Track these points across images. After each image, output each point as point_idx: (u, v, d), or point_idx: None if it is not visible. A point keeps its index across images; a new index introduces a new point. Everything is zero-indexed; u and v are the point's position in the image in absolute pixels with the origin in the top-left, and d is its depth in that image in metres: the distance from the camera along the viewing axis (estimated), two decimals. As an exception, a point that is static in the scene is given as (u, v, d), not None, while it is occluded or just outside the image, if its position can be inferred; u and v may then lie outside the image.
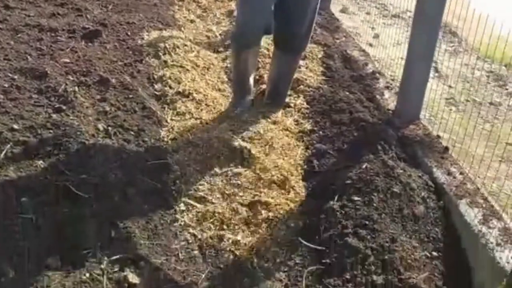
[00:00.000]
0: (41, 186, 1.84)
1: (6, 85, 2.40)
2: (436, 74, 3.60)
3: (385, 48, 3.59)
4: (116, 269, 1.63)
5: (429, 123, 2.54)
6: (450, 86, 3.31)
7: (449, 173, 2.13)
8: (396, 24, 4.29)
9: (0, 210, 1.69)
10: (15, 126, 2.12)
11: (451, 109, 2.91)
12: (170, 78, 2.83)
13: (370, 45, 3.90)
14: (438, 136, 2.41)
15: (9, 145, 2.00)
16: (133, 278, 1.62)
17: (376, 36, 4.23)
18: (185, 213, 1.99)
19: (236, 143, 2.30)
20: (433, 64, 3.71)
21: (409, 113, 2.55)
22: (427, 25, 2.40)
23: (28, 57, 2.71)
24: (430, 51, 2.44)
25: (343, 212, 1.93)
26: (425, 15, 2.40)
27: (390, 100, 2.82)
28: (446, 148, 2.29)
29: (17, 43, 2.83)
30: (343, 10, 5.03)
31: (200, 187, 2.11)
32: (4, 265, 1.52)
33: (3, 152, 1.96)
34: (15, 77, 2.48)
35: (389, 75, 3.21)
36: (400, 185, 2.01)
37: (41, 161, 1.96)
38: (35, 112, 2.26)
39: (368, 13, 5.16)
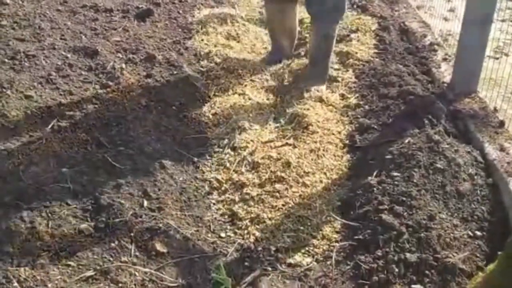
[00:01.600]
0: (81, 157, 1.92)
1: (59, 63, 2.52)
2: None
3: (460, 21, 3.35)
4: (145, 238, 1.67)
5: (506, 101, 2.31)
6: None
7: (502, 149, 1.96)
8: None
9: (41, 180, 1.78)
10: (63, 101, 2.23)
11: None
12: (216, 54, 2.83)
13: (445, 19, 3.67)
14: (495, 110, 2.22)
15: (56, 119, 2.11)
16: (161, 247, 1.65)
17: (452, 10, 3.97)
18: (219, 187, 2.00)
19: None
20: None
21: (464, 85, 2.37)
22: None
23: (83, 36, 2.83)
24: (488, 17, 2.24)
25: (380, 188, 1.84)
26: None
27: (446, 73, 2.64)
28: (502, 123, 2.11)
29: (73, 23, 2.97)
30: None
31: (235, 161, 2.10)
32: (41, 229, 1.60)
33: (50, 125, 2.07)
34: (68, 55, 2.60)
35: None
36: (445, 161, 1.88)
37: (83, 134, 2.05)
38: (83, 88, 2.36)
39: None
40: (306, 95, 2.46)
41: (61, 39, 2.77)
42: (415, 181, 1.81)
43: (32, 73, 2.42)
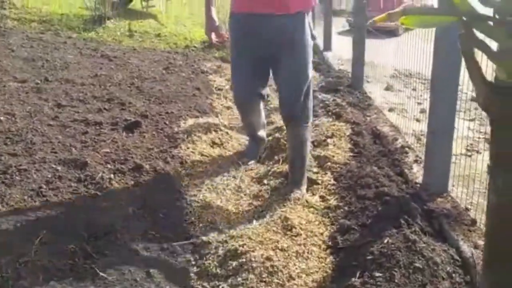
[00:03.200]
0: (68, 269, 1.95)
1: (49, 176, 2.62)
2: (488, 146, 3.54)
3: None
4: None
5: (482, 195, 2.44)
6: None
7: (476, 246, 2.05)
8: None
9: (30, 293, 1.79)
10: (53, 213, 2.30)
11: None
12: (201, 161, 2.98)
13: (417, 120, 3.94)
14: (467, 209, 2.35)
15: (45, 231, 2.16)
16: None
17: (423, 111, 4.27)
18: (207, 294, 2.02)
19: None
20: (485, 135, 3.69)
21: (435, 186, 2.52)
22: (445, 94, 2.43)
23: (73, 149, 2.96)
24: (451, 122, 2.45)
25: (364, 289, 1.89)
26: (441, 83, 2.44)
27: (418, 174, 2.80)
28: (474, 221, 2.23)
29: (64, 137, 3.12)
30: (388, 88, 5.15)
31: (220, 270, 2.13)
32: None
33: (38, 238, 2.12)
34: (59, 168, 2.71)
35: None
36: (423, 260, 1.95)
37: (71, 246, 2.08)
38: (72, 200, 2.43)
39: (414, 89, 5.25)
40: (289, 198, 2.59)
41: (51, 152, 2.90)
42: (396, 281, 1.87)
43: (23, 186, 2.50)
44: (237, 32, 2.72)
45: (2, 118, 3.30)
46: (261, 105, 3.16)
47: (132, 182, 2.66)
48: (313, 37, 2.76)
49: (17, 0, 7.13)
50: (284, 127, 2.96)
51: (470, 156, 3.21)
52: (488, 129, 3.40)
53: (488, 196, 1.07)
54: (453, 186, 2.59)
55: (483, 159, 3.01)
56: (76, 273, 1.93)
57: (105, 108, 3.69)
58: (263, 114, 3.24)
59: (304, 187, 2.75)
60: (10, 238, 2.12)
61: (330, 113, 3.74)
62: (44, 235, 2.14)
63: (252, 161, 3.17)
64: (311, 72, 2.74)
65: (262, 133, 3.26)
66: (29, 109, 3.50)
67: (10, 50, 4.93)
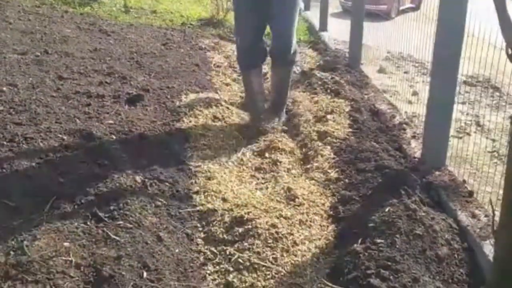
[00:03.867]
0: (81, 231, 2.00)
1: (56, 145, 2.65)
2: (479, 128, 3.65)
3: (424, 105, 3.67)
4: (146, 307, 1.73)
5: (472, 176, 2.54)
6: (493, 140, 3.33)
7: (474, 216, 2.15)
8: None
9: (45, 254, 1.85)
10: (62, 180, 2.34)
11: (496, 163, 2.93)
12: (203, 134, 3.03)
13: (410, 102, 4.02)
14: (464, 181, 2.44)
15: (55, 197, 2.21)
16: (162, 316, 1.71)
17: (415, 94, 4.34)
18: (213, 258, 2.09)
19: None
20: (475, 118, 3.79)
21: (433, 160, 2.60)
22: (444, 73, 2.50)
23: (77, 120, 2.99)
24: (450, 98, 2.53)
25: (366, 254, 1.97)
26: (442, 64, 2.51)
27: (416, 149, 2.89)
28: (471, 193, 2.32)
29: (67, 108, 3.14)
30: (381, 70, 5.21)
31: (226, 236, 2.20)
32: (46, 301, 1.65)
33: (49, 203, 2.16)
34: (64, 137, 2.75)
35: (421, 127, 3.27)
36: (423, 227, 2.04)
37: (82, 210, 2.14)
38: (80, 168, 2.48)
39: (406, 72, 5.31)
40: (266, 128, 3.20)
41: (56, 122, 2.92)
42: (397, 246, 1.96)
43: (30, 154, 2.54)
44: None
45: (5, 88, 3.30)
46: (262, 70, 3.56)
47: (137, 153, 2.71)
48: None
49: (11, -27, 7.01)
50: None
51: (460, 138, 3.30)
52: (480, 112, 3.47)
53: (508, 155, 1.12)
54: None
55: (474, 142, 3.11)
56: (88, 235, 1.99)
57: (106, 82, 3.71)
58: (263, 82, 3.60)
59: (282, 119, 3.39)
60: (21, 203, 2.17)
61: (328, 90, 3.80)
62: (54, 200, 2.19)
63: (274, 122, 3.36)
64: (297, 17, 3.31)
65: (262, 100, 3.53)
66: (31, 81, 3.51)
67: (8, 23, 4.89)
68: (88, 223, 2.07)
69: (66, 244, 1.92)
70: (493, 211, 1.24)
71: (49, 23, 5.19)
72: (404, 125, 3.22)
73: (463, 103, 4.22)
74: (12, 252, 1.85)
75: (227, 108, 3.53)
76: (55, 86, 3.48)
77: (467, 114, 3.99)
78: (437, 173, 2.55)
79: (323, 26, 6.28)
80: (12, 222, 2.02)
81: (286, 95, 3.53)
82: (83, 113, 3.11)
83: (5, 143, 2.61)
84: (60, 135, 2.76)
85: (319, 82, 3.99)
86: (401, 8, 11.22)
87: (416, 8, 10.81)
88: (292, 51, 3.33)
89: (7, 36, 4.44)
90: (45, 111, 3.05)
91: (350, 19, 4.82)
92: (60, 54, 4.21)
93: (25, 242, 1.88)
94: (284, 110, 3.50)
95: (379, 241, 2.02)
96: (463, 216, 2.16)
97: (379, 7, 9.44)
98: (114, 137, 2.84)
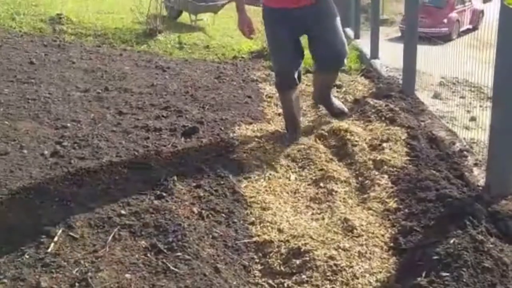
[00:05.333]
0: (141, 263, 2.04)
1: (116, 177, 2.75)
2: None
3: (484, 130, 3.54)
4: None
5: None
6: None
7: (547, 247, 2.01)
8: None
9: (108, 285, 1.89)
10: (123, 212, 2.41)
11: None
12: (257, 165, 3.04)
13: (467, 128, 3.89)
14: (534, 210, 2.30)
15: (116, 228, 2.27)
16: None
17: (473, 119, 4.20)
18: (271, 290, 2.07)
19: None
20: None
21: (499, 187, 2.48)
22: (508, 98, 2.41)
23: (136, 153, 3.10)
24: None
25: (431, 288, 1.89)
26: (504, 88, 2.42)
27: (479, 177, 2.77)
28: (543, 222, 2.18)
29: (127, 142, 3.26)
30: (436, 96, 5.09)
31: (284, 268, 2.18)
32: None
33: (112, 235, 2.23)
34: (125, 170, 2.84)
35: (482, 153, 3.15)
36: (491, 260, 1.93)
37: (143, 242, 2.19)
38: (140, 199, 2.55)
39: (462, 97, 5.16)
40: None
41: (117, 156, 3.04)
42: (465, 280, 1.86)
43: (93, 187, 2.64)
44: (271, 18, 3.40)
45: (69, 124, 3.48)
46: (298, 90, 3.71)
47: (194, 184, 2.75)
48: None
49: (74, 16, 7.48)
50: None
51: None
52: None
53: None
54: None
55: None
56: (149, 267, 2.02)
57: (163, 116, 3.83)
58: (299, 101, 3.79)
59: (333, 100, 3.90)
60: (84, 235, 2.25)
61: (383, 118, 3.73)
62: (116, 232, 2.25)
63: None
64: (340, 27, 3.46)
65: (300, 121, 3.70)
66: (92, 117, 3.68)
67: (71, 62, 5.19)
68: (148, 254, 2.11)
69: (127, 275, 1.96)
70: None
71: (109, 61, 5.47)
72: (465, 152, 3.10)
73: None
74: (77, 284, 1.91)
75: (280, 138, 3.54)
76: (115, 121, 3.63)
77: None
78: (503, 201, 2.42)
79: (375, 53, 6.23)
80: (76, 254, 2.09)
81: (331, 88, 3.92)
82: (142, 146, 3.22)
83: (69, 176, 2.74)
84: (120, 168, 2.86)
85: (373, 110, 3.94)
86: (461, 29, 11.05)
87: (474, 28, 10.61)
88: (343, 61, 3.59)
89: (71, 75, 4.71)
90: (106, 145, 3.18)
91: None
92: (119, 90, 4.41)
93: (89, 274, 1.94)
94: (331, 96, 3.90)
95: (444, 274, 1.92)
96: (535, 248, 2.03)
97: (441, 30, 9.34)
98: (171, 169, 2.90)
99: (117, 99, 4.14)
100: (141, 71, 5.20)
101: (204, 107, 4.13)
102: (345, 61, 3.62)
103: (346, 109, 3.96)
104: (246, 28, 3.37)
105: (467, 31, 10.73)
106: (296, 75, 3.49)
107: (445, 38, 7.52)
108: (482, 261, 1.93)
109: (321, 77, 3.75)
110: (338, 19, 3.44)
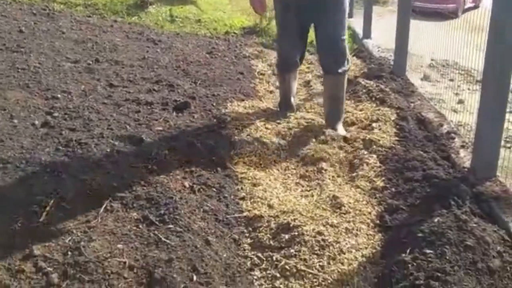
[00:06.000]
0: (133, 234, 2.08)
1: (108, 150, 2.76)
2: None
3: (471, 113, 3.59)
4: (196, 310, 1.78)
5: None
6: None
7: (527, 228, 2.09)
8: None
9: (100, 255, 1.93)
10: (115, 184, 2.43)
11: None
12: (248, 142, 3.07)
13: (455, 111, 3.94)
14: (516, 192, 2.37)
15: (108, 200, 2.30)
16: (211, 319, 1.75)
17: (461, 102, 4.25)
18: (260, 264, 2.12)
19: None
20: None
21: (484, 170, 2.54)
22: (497, 83, 2.45)
23: (127, 126, 3.10)
24: (501, 110, 2.47)
25: (415, 264, 1.95)
26: (494, 74, 2.46)
27: (465, 159, 2.83)
28: (524, 203, 2.25)
29: (118, 114, 3.26)
30: (425, 78, 5.13)
31: (273, 242, 2.23)
32: (101, 300, 1.73)
33: (103, 206, 2.25)
34: (116, 143, 2.85)
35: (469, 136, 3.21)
36: (474, 239, 2.00)
37: (135, 214, 2.22)
38: (131, 172, 2.56)
39: (451, 80, 5.20)
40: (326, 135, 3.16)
41: (108, 128, 3.04)
42: (447, 257, 1.93)
43: (85, 158, 2.65)
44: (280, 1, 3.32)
45: (59, 95, 3.46)
46: (297, 71, 3.67)
47: (186, 159, 2.77)
48: None
49: (63, -15, 7.32)
50: None
51: (509, 148, 3.21)
52: None
53: None
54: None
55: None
56: (140, 238, 2.06)
57: (154, 89, 3.82)
58: (296, 82, 3.72)
59: (339, 131, 3.30)
60: (76, 205, 2.26)
61: (373, 98, 3.77)
62: (108, 203, 2.27)
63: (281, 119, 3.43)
64: (346, 23, 3.31)
65: (293, 101, 3.67)
66: (83, 88, 3.66)
67: (61, 32, 5.11)
68: (140, 226, 2.14)
69: (120, 246, 2.00)
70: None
71: (100, 32, 5.39)
72: (452, 134, 3.16)
73: (511, 112, 4.09)
74: (69, 253, 1.94)
75: (271, 115, 3.56)
76: (106, 93, 3.62)
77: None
78: (488, 183, 2.49)
79: (367, 33, 6.23)
80: (68, 224, 2.11)
81: (342, 106, 3.42)
82: (133, 119, 3.21)
83: (60, 148, 2.73)
84: (111, 141, 2.87)
85: (364, 90, 3.97)
86: (465, 7, 11.08)
87: (476, 7, 10.64)
88: (343, 59, 3.28)
89: (61, 45, 4.64)
90: (97, 118, 3.17)
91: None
92: (110, 62, 4.37)
93: (81, 243, 1.97)
94: (341, 122, 3.40)
95: (428, 251, 1.99)
96: (516, 228, 2.11)
97: (448, 7, 9.33)
98: (163, 143, 2.92)
99: (108, 71, 4.11)
100: (132, 43, 5.14)
101: (196, 82, 4.12)
102: (346, 63, 3.32)
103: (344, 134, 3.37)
104: (258, 3, 3.33)
105: (469, 9, 10.76)
106: (297, 59, 3.47)
107: (452, 15, 7.55)
108: (465, 240, 1.99)
109: (325, 82, 3.49)
110: (345, 14, 3.27)
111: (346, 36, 3.30)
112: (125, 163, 2.65)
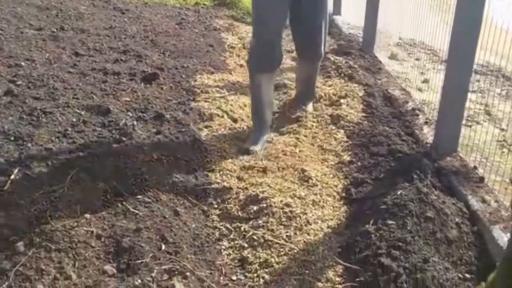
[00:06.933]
0: (101, 204, 2.07)
1: (74, 120, 2.71)
2: (488, 117, 3.65)
3: (435, 92, 3.67)
4: (165, 278, 1.80)
5: (481, 165, 2.56)
6: (502, 129, 3.34)
7: (484, 201, 2.19)
8: (446, 69, 4.39)
9: (67, 224, 1.91)
10: (81, 154, 2.40)
11: (503, 152, 2.95)
12: (218, 115, 3.07)
13: (420, 89, 4.02)
14: (475, 167, 2.47)
15: (75, 170, 2.27)
16: (179, 287, 1.78)
17: (426, 81, 4.34)
18: (228, 234, 2.15)
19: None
20: (485, 107, 3.80)
21: (445, 145, 2.63)
22: (461, 63, 2.52)
23: (94, 96, 3.04)
24: (465, 85, 2.54)
25: (377, 234, 2.02)
26: (458, 52, 2.52)
27: (428, 135, 2.91)
28: (482, 178, 2.35)
29: (84, 84, 3.19)
30: (392, 57, 5.19)
31: (241, 213, 2.26)
32: (69, 268, 1.72)
33: (70, 176, 2.22)
34: (82, 113, 2.80)
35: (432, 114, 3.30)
36: (434, 210, 2.08)
37: (102, 184, 2.20)
38: (98, 143, 2.53)
39: (417, 59, 5.29)
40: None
41: (74, 98, 2.98)
42: (408, 228, 2.01)
43: (50, 128, 2.60)
44: None
45: (23, 63, 3.35)
46: (275, 78, 3.13)
47: (154, 130, 2.75)
48: None
49: None
50: None
51: (470, 126, 3.32)
52: (490, 101, 3.45)
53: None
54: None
55: (483, 131, 3.12)
56: (108, 208, 2.05)
57: (121, 59, 3.74)
58: (273, 92, 3.13)
59: (309, 108, 3.22)
60: (41, 175, 2.23)
61: (342, 75, 3.81)
62: (74, 173, 2.25)
63: (255, 149, 2.76)
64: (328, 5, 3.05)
65: (270, 116, 2.98)
66: (48, 56, 3.55)
67: (23, -2, 4.92)
68: (108, 196, 2.13)
69: (87, 215, 1.99)
70: None
71: (64, -1, 5.21)
72: (417, 111, 3.24)
73: (473, 91, 4.21)
74: (34, 221, 1.92)
75: (240, 88, 3.56)
76: (72, 62, 3.52)
77: (477, 103, 3.99)
78: (448, 158, 2.58)
79: (337, 10, 6.24)
80: (34, 193, 2.08)
81: (314, 86, 3.35)
82: (100, 89, 3.15)
83: (25, 116, 2.67)
84: (78, 110, 2.81)
85: (333, 66, 4.00)
86: None
87: None
88: (324, 45, 3.11)
89: (24, 11, 4.47)
90: (63, 87, 3.10)
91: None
92: (75, 30, 4.25)
93: (47, 212, 1.95)
94: (312, 101, 3.33)
95: (390, 222, 2.06)
96: (473, 201, 2.20)
97: None
98: (130, 114, 2.88)
99: (73, 39, 4.00)
100: (98, 11, 4.99)
101: (164, 53, 4.05)
102: (322, 50, 3.11)
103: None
104: None
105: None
106: (277, 53, 2.84)
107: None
108: (426, 211, 2.07)
109: (301, 66, 3.31)
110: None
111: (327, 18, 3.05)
112: (92, 133, 2.62)
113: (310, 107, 3.28)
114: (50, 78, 3.19)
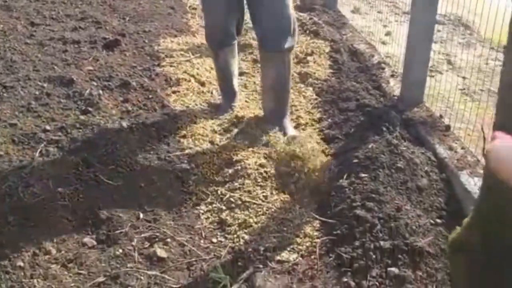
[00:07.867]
0: (73, 177, 2.04)
1: (37, 93, 2.62)
2: (450, 67, 3.72)
3: (398, 45, 3.70)
4: (146, 246, 1.81)
5: (446, 114, 2.61)
6: (464, 78, 3.41)
7: (451, 148, 2.26)
8: (408, 21, 4.41)
9: (41, 199, 1.88)
10: (48, 127, 2.34)
11: (465, 99, 3.02)
12: (185, 79, 3.02)
13: (383, 43, 4.04)
14: (441, 116, 2.54)
15: (43, 144, 2.21)
16: (161, 253, 1.79)
17: (388, 34, 4.35)
18: (205, 198, 2.16)
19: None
20: (447, 57, 3.86)
21: (412, 97, 2.68)
22: (425, 10, 2.54)
23: (55, 67, 2.94)
24: (429, 36, 2.58)
25: (351, 188, 2.07)
26: (422, 4, 2.54)
27: (395, 87, 2.95)
28: (448, 127, 2.42)
29: (44, 55, 3.07)
30: (355, 11, 5.17)
31: (217, 177, 2.26)
32: (47, 243, 1.71)
33: (38, 150, 2.17)
34: (45, 85, 2.71)
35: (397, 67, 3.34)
36: (404, 161, 2.14)
37: (72, 156, 2.16)
38: (65, 115, 2.47)
39: (379, 12, 5.29)
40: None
41: (34, 70, 2.87)
42: (381, 179, 2.06)
43: (12, 102, 2.51)
44: None
45: (-25, 36, 3.19)
46: (236, 48, 2.76)
47: (121, 98, 2.70)
48: None
49: None
50: None
51: (433, 76, 3.38)
52: (451, 51, 3.49)
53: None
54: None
55: (446, 80, 3.19)
56: (81, 181, 2.02)
57: (80, 27, 3.61)
58: (237, 59, 2.84)
59: (289, 130, 2.55)
60: (8, 151, 2.17)
61: (307, 32, 3.79)
62: (42, 147, 2.19)
63: (225, 115, 2.70)
64: None
65: (236, 83, 2.81)
66: (2, 27, 3.39)
67: (-33, -35, 4.62)
68: (80, 168, 2.09)
69: (60, 189, 1.96)
70: (484, 135, 1.30)
71: (12, -35, 4.92)
72: (383, 65, 3.27)
73: (435, 42, 4.27)
74: (7, 200, 1.88)
75: (206, 50, 3.50)
76: (28, 32, 3.38)
77: (439, 52, 4.05)
78: (415, 109, 2.64)
79: (298, -35, 6.14)
80: (2, 171, 2.03)
81: (288, 94, 2.60)
82: (61, 59, 3.05)
83: (-17, 92, 2.57)
84: (40, 83, 2.72)
85: (298, 23, 3.96)
86: None
87: None
88: (291, 31, 2.47)
89: (-31, -20, 4.21)
90: (21, 59, 2.98)
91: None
92: (28, -2, 4.05)
93: (19, 189, 1.91)
94: (288, 116, 2.63)
95: (363, 175, 2.11)
96: (441, 149, 2.27)
97: None
98: (95, 83, 2.81)
99: (27, 8, 3.82)
100: (50, -23, 4.75)
101: (124, 18, 3.93)
102: (290, 38, 2.48)
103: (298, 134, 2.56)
104: None
105: None
106: (233, 28, 2.58)
107: None
108: (396, 162, 2.13)
109: (264, 64, 2.58)
110: None
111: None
112: (57, 105, 2.55)
113: (289, 127, 2.58)
114: (7, 50, 3.06)
